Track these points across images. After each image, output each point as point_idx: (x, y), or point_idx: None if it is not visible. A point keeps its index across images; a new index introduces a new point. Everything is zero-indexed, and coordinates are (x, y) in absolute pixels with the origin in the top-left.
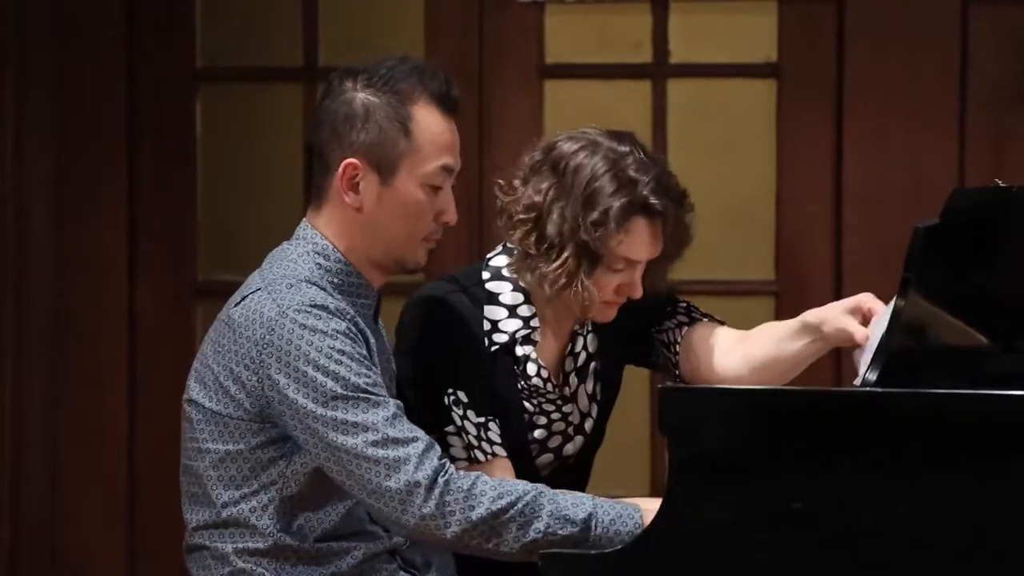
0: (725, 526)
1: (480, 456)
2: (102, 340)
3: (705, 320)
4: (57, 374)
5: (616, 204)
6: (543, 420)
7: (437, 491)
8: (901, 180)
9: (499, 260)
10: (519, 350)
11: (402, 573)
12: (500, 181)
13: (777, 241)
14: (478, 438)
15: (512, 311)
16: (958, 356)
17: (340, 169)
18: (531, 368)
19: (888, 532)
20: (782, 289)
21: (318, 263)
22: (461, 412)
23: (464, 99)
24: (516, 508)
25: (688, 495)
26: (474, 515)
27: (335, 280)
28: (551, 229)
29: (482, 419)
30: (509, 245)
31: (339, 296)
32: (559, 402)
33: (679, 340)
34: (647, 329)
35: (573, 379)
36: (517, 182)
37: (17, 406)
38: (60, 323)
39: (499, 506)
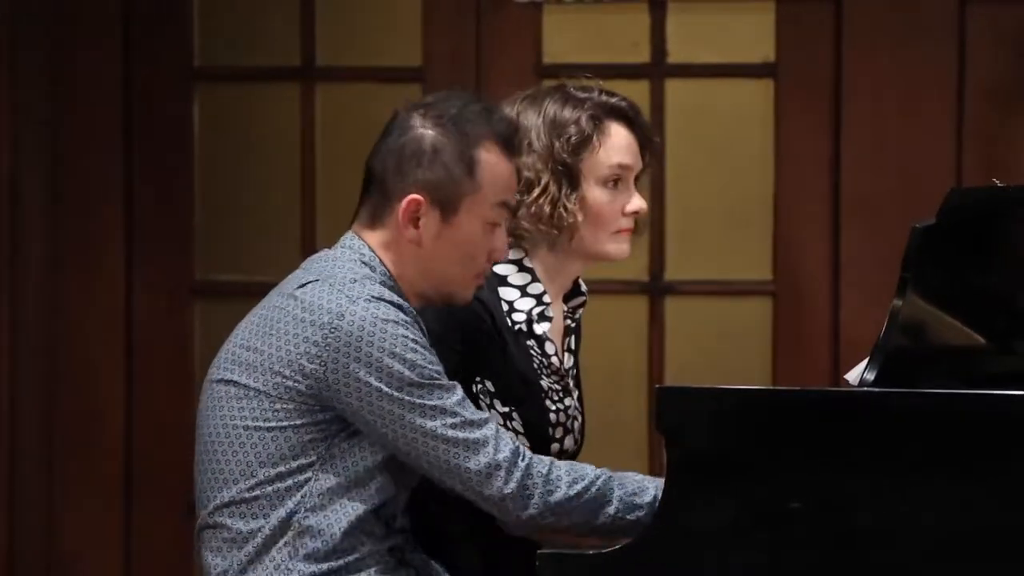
0: (723, 525)
1: None
2: (99, 340)
3: None
4: (54, 374)
5: (583, 115)
6: (554, 406)
7: (518, 473)
8: (898, 180)
9: None
10: (537, 328)
11: (402, 571)
12: None
13: (774, 241)
14: (504, 428)
15: (523, 291)
16: (956, 356)
17: (404, 203)
18: (549, 347)
19: (886, 532)
20: (779, 289)
21: (364, 272)
22: (488, 401)
23: None
24: (590, 493)
25: (685, 494)
26: (552, 499)
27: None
28: (526, 172)
29: (506, 409)
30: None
31: None
32: (561, 393)
33: None
34: None
35: (569, 379)
36: None
37: (14, 406)
38: (57, 323)
39: (575, 491)
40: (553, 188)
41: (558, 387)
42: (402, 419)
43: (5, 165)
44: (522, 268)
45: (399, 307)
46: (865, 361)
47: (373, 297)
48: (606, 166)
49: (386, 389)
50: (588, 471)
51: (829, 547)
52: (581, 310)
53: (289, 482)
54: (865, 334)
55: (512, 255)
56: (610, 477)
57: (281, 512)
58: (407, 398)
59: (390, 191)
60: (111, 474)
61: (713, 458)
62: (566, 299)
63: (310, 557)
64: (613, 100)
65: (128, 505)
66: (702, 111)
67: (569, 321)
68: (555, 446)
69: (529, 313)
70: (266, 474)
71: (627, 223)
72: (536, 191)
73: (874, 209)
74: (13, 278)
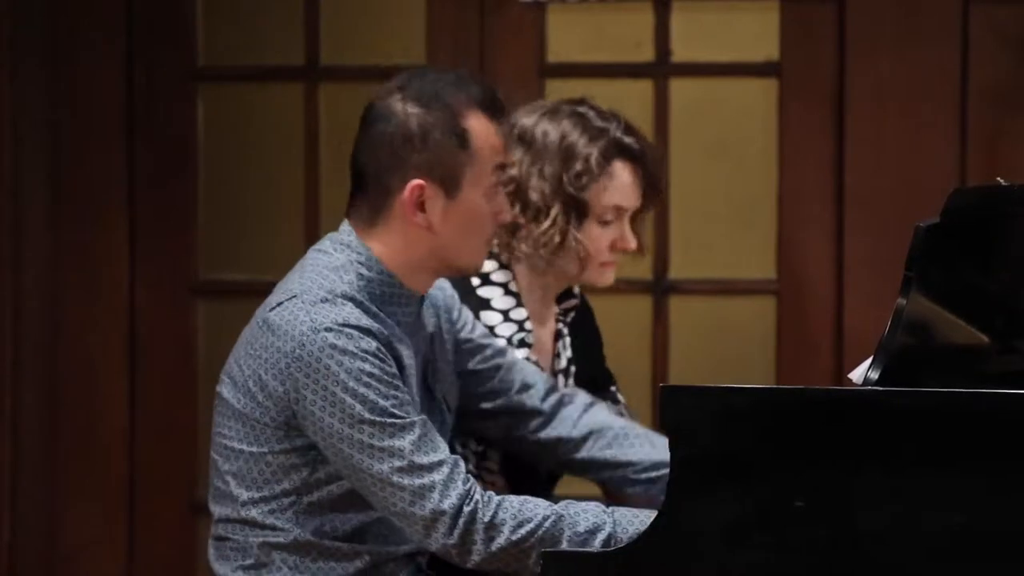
0: (726, 524)
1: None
2: (101, 339)
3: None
4: (55, 373)
5: (595, 151)
6: None
7: (462, 521)
8: (901, 179)
9: (485, 266)
10: (518, 354)
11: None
12: None
13: (778, 240)
14: (478, 467)
15: (505, 315)
16: (961, 355)
17: (407, 192)
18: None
19: (888, 532)
20: (783, 288)
21: (360, 273)
22: (462, 440)
23: None
24: (536, 536)
25: (689, 494)
26: (494, 546)
27: (376, 291)
28: (534, 195)
29: (481, 448)
30: (491, 249)
31: (378, 307)
32: None
33: None
34: (594, 379)
35: (560, 378)
36: None
37: (15, 406)
38: (58, 322)
39: (519, 535)
40: (562, 220)
41: None
42: (351, 459)
43: (6, 165)
44: (508, 292)
45: (366, 332)
46: (869, 360)
47: (337, 324)
48: (603, 206)
49: (338, 425)
50: (539, 511)
51: (833, 546)
52: (572, 313)
53: (272, 504)
54: (869, 333)
55: (498, 278)
56: (560, 517)
57: (277, 529)
58: (357, 435)
59: (388, 184)
60: (113, 473)
61: (717, 457)
62: (558, 300)
63: (318, 563)
64: (628, 140)
65: (130, 504)
66: (706, 110)
67: (561, 325)
68: None
69: (510, 339)
70: (250, 496)
71: (613, 257)
72: (546, 222)
73: (877, 208)
74: (14, 278)
